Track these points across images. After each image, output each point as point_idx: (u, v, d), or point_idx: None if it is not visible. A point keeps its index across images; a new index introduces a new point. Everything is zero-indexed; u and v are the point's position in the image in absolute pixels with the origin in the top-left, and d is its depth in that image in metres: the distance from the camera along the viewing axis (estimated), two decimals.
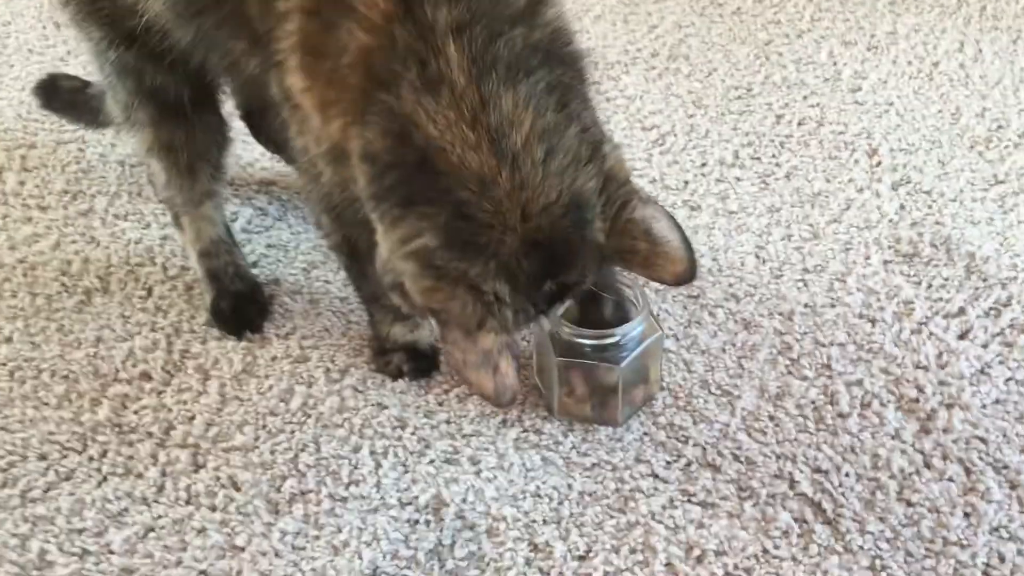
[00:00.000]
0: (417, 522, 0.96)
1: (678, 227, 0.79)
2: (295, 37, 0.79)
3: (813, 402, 1.05)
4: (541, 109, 0.74)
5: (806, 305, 1.16)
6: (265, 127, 1.33)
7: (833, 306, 1.16)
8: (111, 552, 0.95)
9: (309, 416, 1.07)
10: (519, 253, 0.73)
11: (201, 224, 1.21)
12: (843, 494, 0.95)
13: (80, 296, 1.23)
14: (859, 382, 1.06)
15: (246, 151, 1.43)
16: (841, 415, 1.03)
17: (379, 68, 0.74)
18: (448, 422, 1.06)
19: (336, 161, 0.82)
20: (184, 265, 1.27)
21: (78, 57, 1.71)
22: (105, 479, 1.02)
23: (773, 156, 1.40)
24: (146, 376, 1.13)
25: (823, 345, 1.11)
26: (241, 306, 1.19)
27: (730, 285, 1.19)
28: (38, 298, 1.23)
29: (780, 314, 1.15)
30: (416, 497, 0.98)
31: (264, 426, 1.06)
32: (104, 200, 1.39)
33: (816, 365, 1.09)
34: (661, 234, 0.78)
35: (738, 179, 1.36)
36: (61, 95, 1.42)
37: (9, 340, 1.18)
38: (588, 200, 0.75)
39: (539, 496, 0.98)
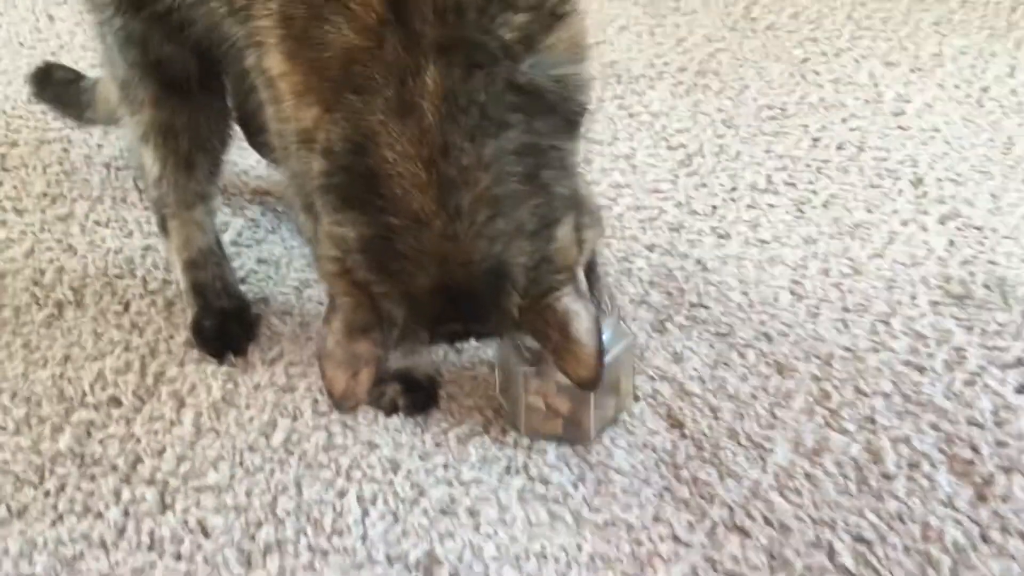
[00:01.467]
0: None
1: (598, 333, 0.78)
2: (275, 17, 0.74)
3: (855, 460, 0.93)
4: (502, 176, 0.71)
5: (846, 348, 1.05)
6: (259, 129, 1.24)
7: (876, 351, 1.04)
8: None
9: (292, 454, 0.96)
10: (428, 291, 0.73)
11: (190, 230, 1.11)
12: (889, 569, 0.84)
13: (51, 309, 1.13)
14: (906, 439, 0.95)
15: (241, 157, 1.33)
16: (886, 476, 0.92)
17: (359, 71, 0.71)
18: (445, 466, 0.95)
19: (305, 145, 0.78)
20: (166, 279, 1.17)
21: (70, 52, 1.63)
22: (61, 518, 0.92)
23: (809, 182, 1.29)
24: (115, 401, 1.02)
25: (866, 395, 1.00)
26: (226, 326, 1.09)
27: (762, 323, 1.08)
28: (5, 310, 1.13)
29: (817, 357, 1.04)
30: (406, 552, 0.87)
31: (241, 463, 0.96)
32: (85, 205, 1.29)
33: (858, 417, 0.97)
34: (576, 335, 0.76)
35: (771, 206, 1.25)
36: (53, 85, 1.35)
37: None
38: (510, 273, 0.73)
39: (544, 557, 0.87)
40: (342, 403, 0.77)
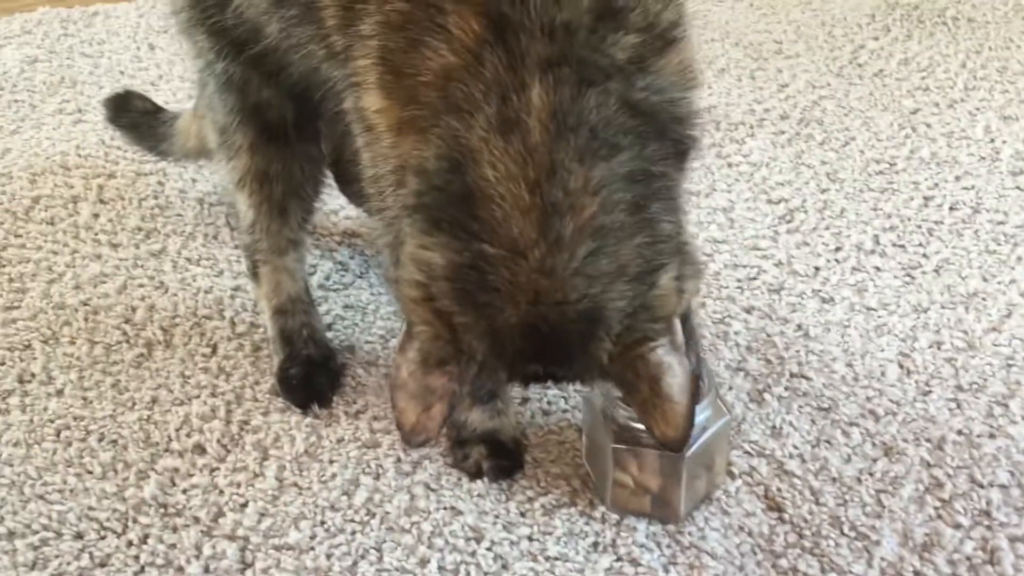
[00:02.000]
0: None
1: (690, 393, 0.72)
2: (376, 55, 0.71)
3: (969, 559, 0.87)
4: (611, 204, 0.66)
5: (960, 432, 0.98)
6: (352, 178, 1.23)
7: (993, 436, 0.98)
8: None
9: (373, 516, 0.94)
10: (515, 328, 0.68)
11: (281, 277, 1.11)
12: None
13: (141, 349, 1.14)
14: None
15: (331, 198, 1.32)
16: None
17: (457, 92, 0.67)
18: (530, 538, 0.92)
19: (399, 180, 0.75)
20: (254, 322, 1.16)
21: (169, 83, 1.65)
22: (143, 570, 0.91)
23: (920, 245, 1.23)
24: (200, 449, 1.02)
25: (981, 486, 0.93)
26: (311, 375, 1.07)
27: (868, 399, 1.02)
28: (96, 347, 1.14)
29: (928, 441, 0.98)
30: None
31: (323, 522, 0.94)
32: (178, 241, 1.29)
33: (973, 511, 0.91)
34: (668, 390, 0.71)
35: (878, 269, 1.19)
36: (130, 113, 1.37)
37: (60, 393, 1.08)
38: (606, 319, 0.68)
39: None
40: (412, 438, 0.74)
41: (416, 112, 0.70)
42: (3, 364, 1.12)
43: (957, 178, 1.33)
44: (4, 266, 1.26)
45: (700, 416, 0.86)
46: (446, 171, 0.67)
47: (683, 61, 0.73)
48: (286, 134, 1.04)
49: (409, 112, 0.71)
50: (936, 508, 0.91)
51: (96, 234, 1.31)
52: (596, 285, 0.66)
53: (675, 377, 0.71)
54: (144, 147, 1.38)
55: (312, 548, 0.91)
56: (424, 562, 0.90)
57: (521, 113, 0.65)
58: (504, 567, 0.89)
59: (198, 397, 1.07)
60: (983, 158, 1.37)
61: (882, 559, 0.87)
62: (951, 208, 1.28)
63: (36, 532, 0.94)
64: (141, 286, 1.22)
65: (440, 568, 0.89)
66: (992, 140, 1.40)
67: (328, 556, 0.91)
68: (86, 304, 1.20)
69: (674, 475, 0.89)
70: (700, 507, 0.92)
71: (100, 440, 1.03)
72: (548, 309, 0.67)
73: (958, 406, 1.01)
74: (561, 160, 0.64)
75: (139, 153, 1.46)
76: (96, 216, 1.34)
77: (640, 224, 0.67)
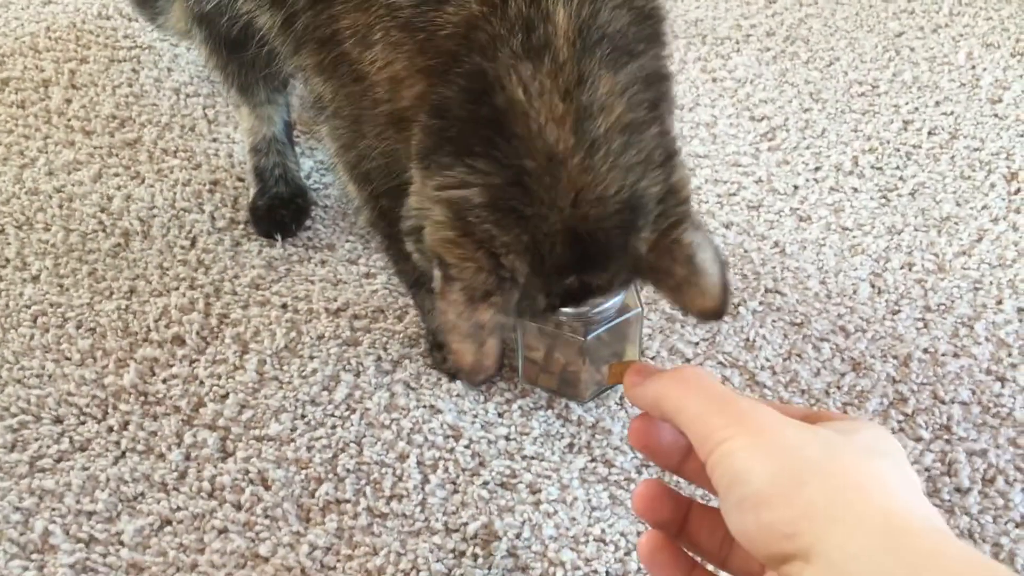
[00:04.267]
0: (463, 554, 0.85)
1: (721, 261, 0.73)
2: (380, 11, 0.70)
3: (928, 470, 0.91)
4: (634, 102, 0.68)
5: (925, 351, 1.02)
6: None
7: (957, 356, 1.01)
8: (121, 543, 0.85)
9: (353, 411, 0.95)
10: (555, 236, 0.68)
11: (256, 123, 1.18)
12: None
13: (117, 238, 1.12)
14: (983, 452, 0.92)
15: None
16: (959, 490, 0.90)
17: (481, 35, 0.67)
18: (507, 438, 0.94)
19: (395, 126, 0.75)
20: (234, 218, 1.16)
21: None
22: (123, 455, 0.92)
23: (897, 168, 1.24)
24: (179, 340, 1.02)
25: (943, 402, 0.97)
26: (276, 207, 1.15)
27: (839, 316, 1.05)
28: (72, 235, 1.12)
29: (895, 357, 1.01)
30: (465, 524, 0.87)
31: (303, 416, 0.95)
32: (154, 131, 1.27)
33: (934, 425, 0.95)
34: (702, 265, 0.71)
35: (855, 190, 1.21)
36: None
37: (36, 279, 1.07)
38: (645, 205, 0.69)
39: (604, 542, 0.86)
40: (474, 377, 0.73)
41: (431, 61, 0.69)
42: None
43: (937, 103, 1.34)
44: None
45: (609, 302, 0.88)
46: (469, 102, 0.67)
47: None
48: (242, 42, 1.04)
49: (420, 61, 0.70)
50: (899, 421, 0.95)
51: (68, 120, 1.28)
52: (632, 175, 0.68)
53: (706, 251, 0.72)
54: (145, 17, 1.38)
55: (292, 440, 0.93)
56: (403, 457, 0.92)
57: (547, 38, 0.65)
58: (481, 464, 0.91)
59: (177, 289, 1.07)
60: (963, 84, 1.38)
61: None
62: (929, 133, 1.29)
63: (14, 415, 0.94)
64: (116, 175, 1.20)
65: (419, 463, 0.91)
66: (974, 67, 1.41)
67: (308, 448, 0.92)
68: (60, 191, 1.18)
69: (578, 356, 0.92)
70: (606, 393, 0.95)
71: (78, 327, 1.02)
72: (590, 207, 0.67)
73: (925, 325, 1.04)
74: (589, 70, 0.66)
75: (112, 38, 1.42)
76: (68, 102, 1.31)
77: (656, 118, 0.69)
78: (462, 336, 0.70)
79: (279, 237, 1.13)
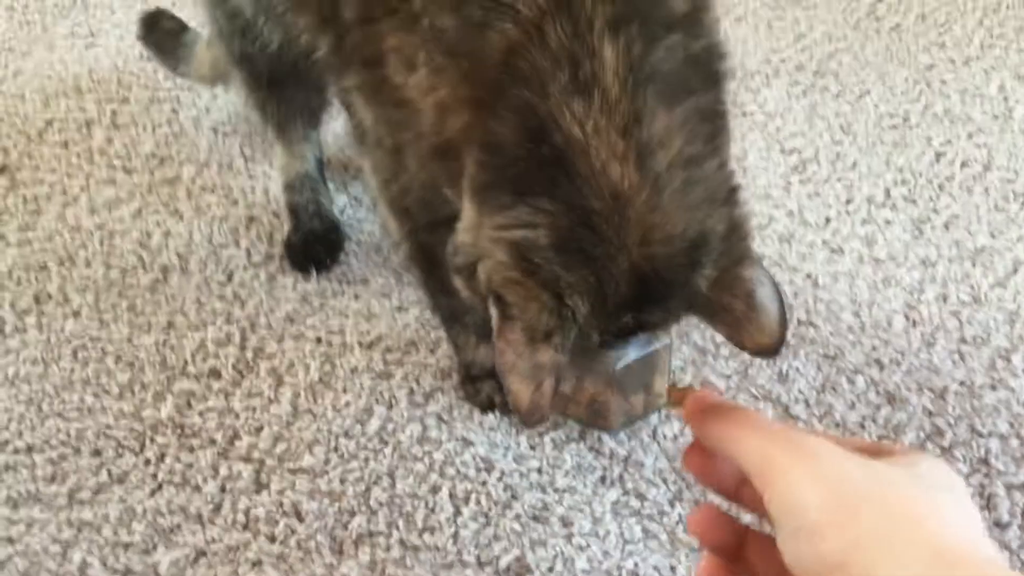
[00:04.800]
0: None
1: (780, 298, 0.72)
2: (425, 34, 0.70)
3: None
4: (693, 137, 0.67)
5: (962, 383, 1.01)
6: None
7: (994, 388, 1.00)
8: (157, 574, 0.86)
9: (386, 444, 0.96)
10: (621, 276, 0.67)
11: (290, 160, 1.21)
12: None
13: (156, 273, 1.14)
14: (1022, 486, 0.91)
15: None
16: (999, 524, 0.88)
17: (523, 65, 0.67)
18: (539, 471, 0.94)
19: (439, 157, 0.75)
20: (269, 253, 1.17)
21: (183, 9, 1.63)
22: (160, 487, 0.93)
23: (930, 199, 1.24)
24: (215, 374, 1.03)
25: (981, 435, 0.95)
26: (311, 243, 1.17)
27: (873, 348, 1.04)
28: (112, 271, 1.15)
29: (931, 390, 1.00)
30: (497, 557, 0.87)
31: (336, 448, 0.96)
32: (192, 169, 1.29)
33: (972, 459, 0.94)
34: (762, 301, 0.71)
35: (888, 222, 1.20)
36: (158, 32, 1.40)
37: (77, 314, 1.10)
38: (711, 243, 0.68)
39: (637, 575, 0.85)
40: (530, 418, 0.71)
41: (473, 91, 0.70)
42: (19, 284, 1.13)
43: (970, 135, 1.34)
44: (19, 187, 1.26)
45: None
46: (526, 140, 0.67)
47: (718, 25, 0.75)
48: (281, 79, 1.10)
49: (464, 90, 0.70)
50: (937, 455, 0.94)
51: (110, 159, 1.31)
52: (699, 212, 0.67)
53: (764, 287, 0.71)
54: (167, 66, 1.41)
55: (326, 472, 0.94)
56: (436, 489, 0.92)
57: (596, 74, 0.65)
58: (514, 496, 0.91)
59: (213, 323, 1.09)
60: (996, 116, 1.37)
61: None
62: (962, 164, 1.29)
63: (54, 448, 0.96)
64: (156, 212, 1.23)
65: (451, 495, 0.91)
66: (1006, 98, 1.41)
67: (342, 480, 0.93)
68: (101, 228, 1.20)
69: (607, 386, 0.91)
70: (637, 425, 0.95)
71: (117, 361, 1.04)
72: (658, 246, 0.67)
73: (961, 358, 1.03)
74: (644, 107, 0.65)
75: (152, 80, 1.46)
76: (110, 141, 1.34)
77: (713, 150, 0.69)
78: (521, 377, 0.68)
79: (314, 272, 1.15)
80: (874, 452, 0.52)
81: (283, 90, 1.13)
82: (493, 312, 0.69)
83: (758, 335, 0.72)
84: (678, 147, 0.66)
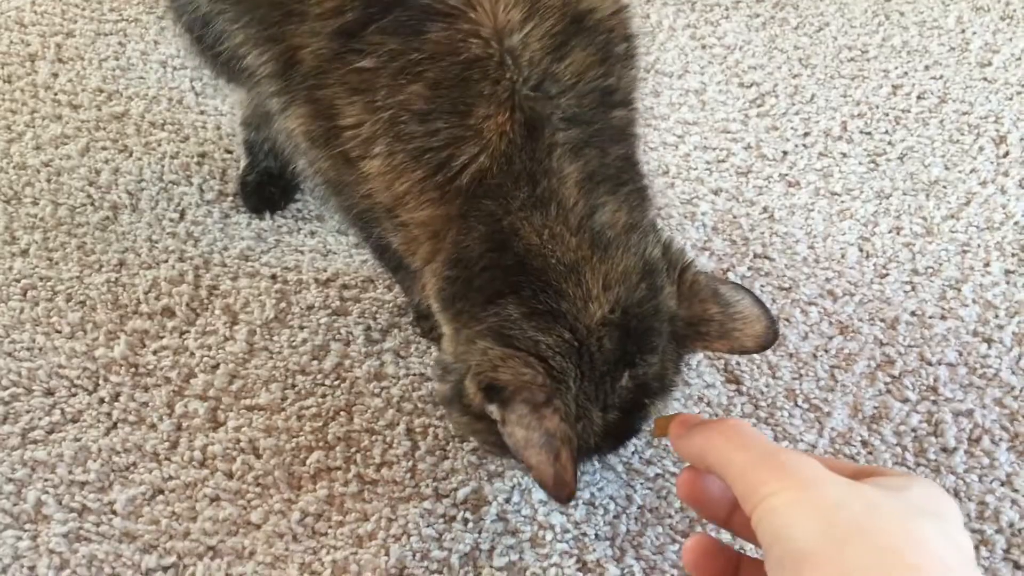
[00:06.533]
0: (453, 519, 0.85)
1: (744, 288, 0.77)
2: (384, 129, 0.72)
3: (914, 430, 0.92)
4: (631, 208, 0.75)
5: (913, 313, 1.02)
6: None
7: (944, 318, 1.02)
8: (113, 512, 0.86)
9: (343, 380, 0.96)
10: (598, 326, 0.72)
11: (247, 95, 1.13)
12: None
13: (106, 212, 1.12)
14: (969, 413, 0.93)
15: None
16: (945, 450, 0.90)
17: (489, 182, 0.72)
18: None
19: (385, 215, 0.79)
20: (222, 190, 1.15)
21: None
22: (115, 426, 0.92)
23: (886, 132, 1.24)
24: (169, 312, 1.02)
25: (930, 364, 0.97)
26: (265, 183, 1.15)
27: (827, 280, 1.05)
28: (60, 208, 1.12)
29: (882, 320, 1.01)
30: (455, 490, 0.87)
31: (293, 385, 0.96)
32: (141, 104, 1.26)
33: (920, 386, 0.95)
34: (730, 296, 0.76)
35: (844, 155, 1.21)
36: None
37: (25, 253, 1.07)
38: (658, 265, 0.75)
39: (593, 506, 0.86)
40: (559, 492, 0.71)
41: (443, 204, 0.73)
42: None
43: (926, 68, 1.34)
44: None
45: None
46: (492, 251, 0.72)
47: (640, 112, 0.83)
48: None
49: (433, 196, 0.73)
50: (886, 383, 0.95)
51: (56, 94, 1.27)
52: (638, 248, 0.73)
53: (724, 284, 0.77)
54: None
55: (283, 409, 0.93)
56: (392, 424, 0.92)
57: (553, 187, 0.71)
58: None
59: (166, 261, 1.07)
60: (952, 48, 1.37)
61: (832, 429, 0.92)
62: (918, 97, 1.29)
63: (5, 388, 0.95)
64: (104, 149, 1.20)
65: (408, 430, 0.92)
66: (963, 31, 1.41)
67: (298, 417, 0.93)
68: (48, 165, 1.18)
69: None
70: None
71: (68, 300, 1.03)
72: (617, 286, 0.71)
73: (913, 288, 1.05)
74: (597, 202, 0.72)
75: (98, 12, 1.41)
76: (55, 75, 1.30)
77: (642, 212, 0.76)
78: (537, 448, 0.70)
79: (268, 214, 1.13)
80: (866, 475, 0.51)
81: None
82: (494, 411, 0.71)
83: (749, 327, 0.75)
84: (624, 221, 0.73)
